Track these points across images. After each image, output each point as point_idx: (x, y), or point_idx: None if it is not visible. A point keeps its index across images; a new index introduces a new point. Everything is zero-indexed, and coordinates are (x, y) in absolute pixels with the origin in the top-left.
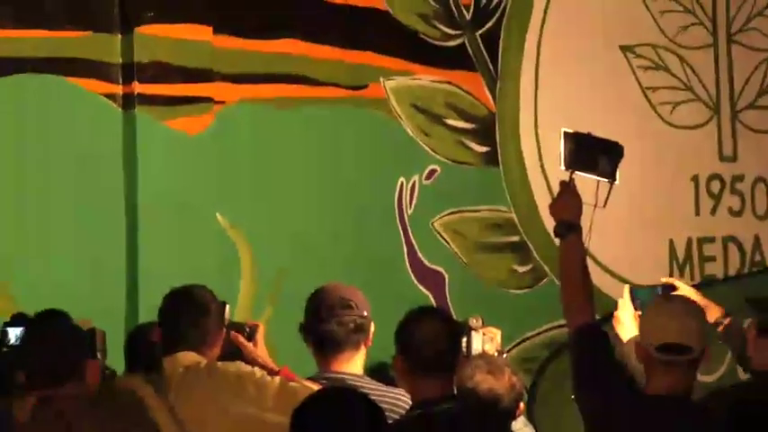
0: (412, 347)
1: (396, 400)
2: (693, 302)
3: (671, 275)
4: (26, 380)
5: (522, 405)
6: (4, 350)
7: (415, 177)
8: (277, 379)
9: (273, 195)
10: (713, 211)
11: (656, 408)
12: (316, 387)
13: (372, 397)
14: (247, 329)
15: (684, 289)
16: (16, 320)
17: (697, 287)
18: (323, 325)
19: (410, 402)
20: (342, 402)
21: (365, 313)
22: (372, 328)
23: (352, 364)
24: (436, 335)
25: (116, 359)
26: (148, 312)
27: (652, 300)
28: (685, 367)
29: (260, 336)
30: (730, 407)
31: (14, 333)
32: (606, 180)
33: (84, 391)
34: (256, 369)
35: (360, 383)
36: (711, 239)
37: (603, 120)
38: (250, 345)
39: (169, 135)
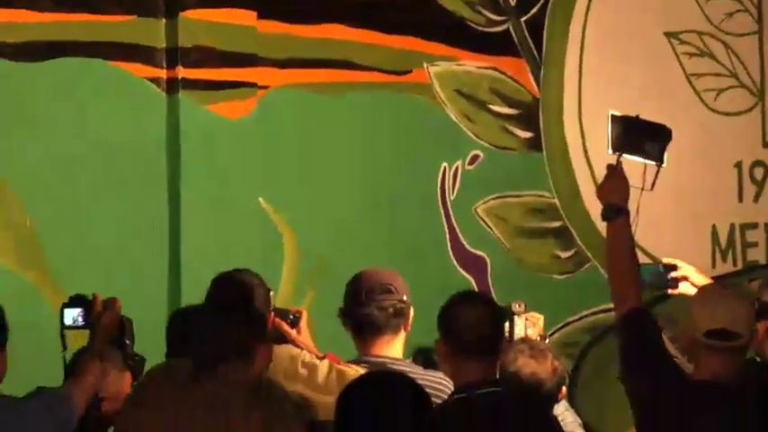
0: (455, 331)
1: (437, 383)
2: (740, 288)
3: (713, 261)
4: (195, 357)
5: (563, 389)
6: (63, 332)
7: (458, 163)
8: (326, 361)
9: (316, 181)
10: (756, 198)
11: (703, 394)
12: (362, 370)
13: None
14: (291, 316)
15: (687, 269)
16: (74, 302)
17: (740, 273)
18: (362, 309)
19: (452, 387)
20: (387, 385)
21: (405, 297)
22: (412, 313)
23: (392, 348)
24: (479, 319)
25: (159, 344)
26: (191, 297)
27: (654, 278)
28: (733, 353)
29: (304, 323)
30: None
31: (72, 314)
32: (654, 163)
33: (250, 377)
34: (305, 352)
35: (400, 367)
36: (754, 225)
37: (647, 106)
38: (294, 331)
39: (212, 120)
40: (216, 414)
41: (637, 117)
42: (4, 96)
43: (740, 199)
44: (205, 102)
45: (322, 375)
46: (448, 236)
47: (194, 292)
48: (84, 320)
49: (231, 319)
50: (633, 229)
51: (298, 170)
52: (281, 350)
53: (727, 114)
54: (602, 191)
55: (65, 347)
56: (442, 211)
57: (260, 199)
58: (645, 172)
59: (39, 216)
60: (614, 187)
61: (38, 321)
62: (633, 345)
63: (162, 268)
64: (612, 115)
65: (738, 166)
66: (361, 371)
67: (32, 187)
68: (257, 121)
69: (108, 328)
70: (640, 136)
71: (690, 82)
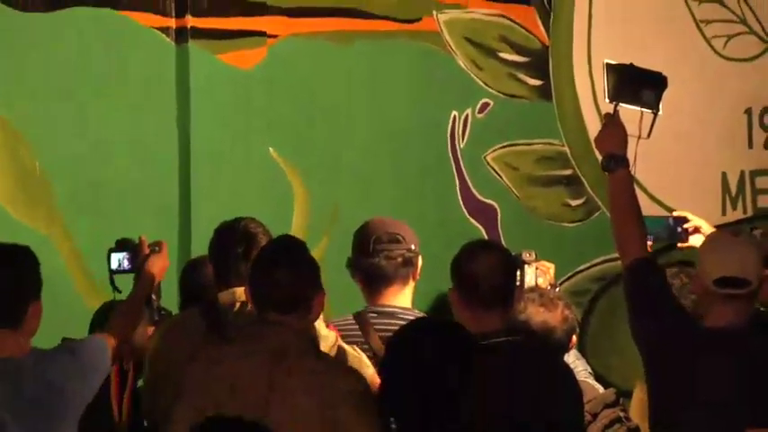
0: (468, 281)
1: None
2: (750, 236)
3: (723, 208)
4: (253, 300)
5: (574, 338)
6: (112, 276)
7: (468, 111)
8: (333, 334)
9: (326, 130)
10: (766, 144)
11: (714, 340)
12: (363, 354)
13: None
14: None
15: (697, 221)
16: (120, 245)
17: (750, 220)
18: (370, 259)
19: None
20: (436, 330)
21: (413, 247)
22: (420, 262)
23: (402, 298)
24: (492, 268)
25: (169, 294)
26: (201, 246)
27: (663, 231)
28: (744, 300)
29: None
30: None
31: (117, 258)
32: (650, 111)
33: (306, 326)
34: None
35: (410, 316)
36: (764, 172)
37: (656, 53)
38: None
39: (222, 69)
40: (277, 363)
41: (631, 65)
42: (14, 45)
43: (750, 145)
44: (215, 51)
45: (326, 346)
46: (458, 185)
47: (205, 243)
48: (130, 264)
49: (287, 267)
50: (632, 176)
51: (308, 119)
52: None
53: (736, 61)
54: (600, 141)
55: (116, 290)
56: (452, 160)
57: (270, 149)
58: (641, 120)
59: (48, 164)
60: (612, 136)
61: (48, 270)
62: (640, 291)
63: (173, 219)
64: (607, 64)
65: (748, 112)
66: (362, 354)
67: (42, 134)
68: (267, 71)
69: (156, 271)
70: (636, 84)
71: (699, 29)
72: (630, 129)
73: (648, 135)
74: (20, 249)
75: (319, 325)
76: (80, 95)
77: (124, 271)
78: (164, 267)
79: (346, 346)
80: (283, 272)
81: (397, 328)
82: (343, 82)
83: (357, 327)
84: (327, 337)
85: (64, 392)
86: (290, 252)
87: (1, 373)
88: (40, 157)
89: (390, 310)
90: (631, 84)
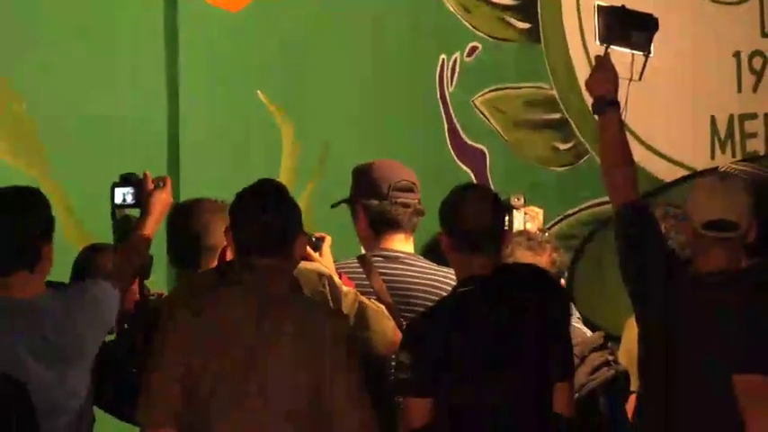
0: (457, 224)
1: (446, 278)
2: (740, 178)
3: (712, 152)
4: (236, 244)
5: (562, 281)
6: (114, 210)
7: (456, 54)
8: (352, 291)
9: (314, 72)
10: (755, 88)
11: (703, 284)
12: (382, 306)
13: (426, 274)
14: (314, 239)
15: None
16: (125, 180)
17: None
18: (384, 203)
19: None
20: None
21: (419, 198)
22: None
23: (407, 245)
24: (481, 211)
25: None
26: (189, 188)
27: None
28: (732, 243)
29: (326, 247)
30: None
31: (122, 193)
32: (641, 53)
33: (290, 267)
34: (333, 275)
35: (415, 261)
36: (753, 116)
37: None
38: (316, 254)
39: (210, 12)
40: (263, 308)
41: (623, 7)
42: (5, 4)
43: (739, 89)
44: None
45: (347, 304)
46: (446, 128)
47: (193, 186)
48: (134, 199)
49: (271, 210)
50: (623, 119)
51: (296, 62)
52: (310, 267)
53: (725, 4)
54: (591, 83)
55: (115, 227)
56: (441, 104)
57: (258, 91)
58: (632, 62)
59: (39, 114)
60: (603, 79)
61: None
62: (630, 235)
63: (161, 163)
64: (599, 6)
65: (737, 55)
66: (382, 307)
67: (34, 85)
68: (256, 13)
69: (160, 207)
70: (627, 26)
71: None
72: (621, 71)
73: (640, 77)
74: (31, 191)
75: (339, 281)
76: (67, 41)
77: (128, 206)
78: (167, 203)
79: (366, 301)
80: (267, 215)
81: (401, 272)
82: (332, 25)
83: (361, 269)
84: (348, 294)
85: (85, 339)
86: (273, 195)
87: (23, 314)
88: (30, 108)
89: (395, 254)
90: (622, 26)
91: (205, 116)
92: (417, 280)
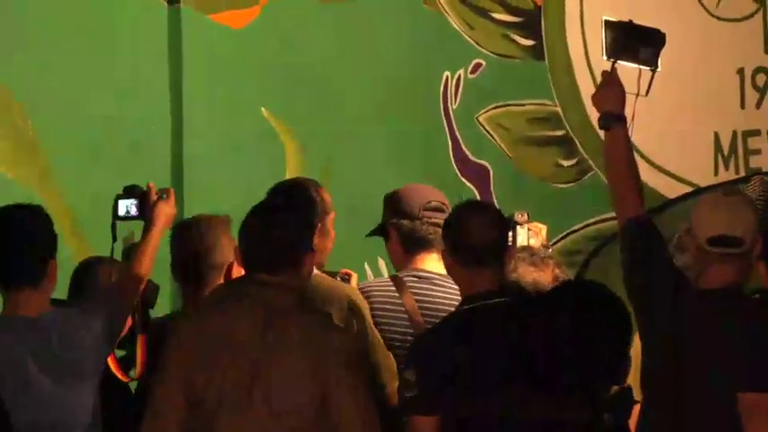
0: (460, 240)
1: None
2: (744, 194)
3: (716, 169)
4: (244, 260)
5: None
6: (116, 222)
7: (460, 71)
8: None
9: (318, 89)
10: (758, 105)
11: (707, 301)
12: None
13: (457, 295)
14: (339, 278)
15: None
16: (129, 192)
17: (743, 181)
18: (416, 223)
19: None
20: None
21: None
22: None
23: (439, 265)
24: (484, 226)
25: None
26: (193, 208)
27: None
28: (737, 259)
29: (353, 283)
30: None
31: (125, 205)
32: (648, 68)
33: (298, 284)
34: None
35: (446, 282)
36: (757, 132)
37: (649, 12)
38: None
39: (214, 29)
40: (269, 322)
41: (630, 22)
42: (3, 7)
43: (742, 106)
44: (207, 11)
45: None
46: (450, 145)
47: (197, 203)
48: (137, 211)
49: (278, 225)
50: (630, 134)
51: (300, 79)
52: (348, 289)
53: (728, 20)
54: (597, 98)
55: (115, 239)
56: (445, 120)
57: (262, 108)
58: (639, 77)
59: (40, 123)
60: (610, 94)
61: None
62: (635, 251)
63: (165, 180)
64: (606, 21)
65: (740, 72)
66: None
67: (34, 96)
68: (260, 30)
69: (164, 218)
70: (634, 41)
71: None
72: (628, 86)
73: (647, 93)
74: (33, 209)
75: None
76: (72, 58)
77: (132, 217)
78: (171, 215)
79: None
80: (275, 230)
81: (432, 293)
82: (335, 42)
83: (393, 288)
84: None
85: (91, 355)
86: (283, 211)
87: (30, 331)
88: (32, 117)
89: (427, 275)
90: (630, 41)
91: (209, 131)
92: (448, 301)
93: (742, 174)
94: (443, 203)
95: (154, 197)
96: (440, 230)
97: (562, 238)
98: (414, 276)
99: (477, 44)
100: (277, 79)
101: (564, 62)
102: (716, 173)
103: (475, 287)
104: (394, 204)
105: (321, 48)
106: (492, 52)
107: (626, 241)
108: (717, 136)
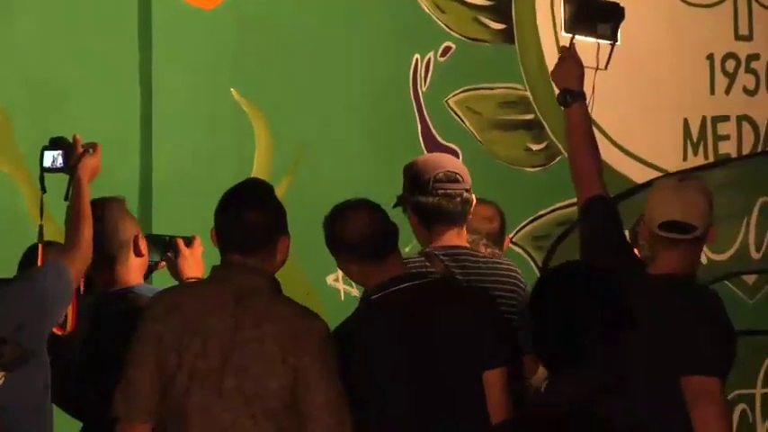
0: (350, 240)
1: (509, 266)
2: (698, 181)
3: (684, 154)
4: (218, 241)
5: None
6: (42, 174)
7: (431, 54)
8: None
9: (288, 71)
10: (728, 91)
11: (657, 286)
12: None
13: (489, 266)
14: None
15: None
16: (55, 144)
17: (711, 167)
18: (430, 198)
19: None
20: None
21: (469, 186)
22: (474, 200)
23: (461, 238)
24: (363, 223)
25: None
26: (162, 186)
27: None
28: (688, 246)
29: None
30: None
31: (51, 156)
32: (607, 42)
33: (272, 266)
34: None
35: (473, 255)
36: (726, 118)
37: None
38: None
39: (185, 9)
40: (242, 306)
41: None
42: None
43: (712, 91)
44: None
45: None
46: (420, 128)
47: (165, 185)
48: (63, 163)
49: (254, 208)
50: (589, 108)
51: (271, 60)
52: None
53: (698, 6)
54: (556, 74)
55: (44, 190)
56: (414, 103)
57: (232, 90)
58: (598, 51)
59: (11, 106)
60: (569, 70)
61: (12, 209)
62: (591, 229)
63: (134, 161)
64: None
65: (710, 58)
66: None
67: (5, 78)
68: (231, 11)
69: (88, 172)
70: (593, 16)
71: None
72: (588, 60)
73: (606, 67)
74: None
75: None
76: (44, 37)
77: (57, 169)
78: (96, 168)
79: None
80: (250, 213)
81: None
82: (306, 24)
83: (425, 262)
84: None
85: (31, 331)
86: (258, 194)
87: None
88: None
89: (454, 251)
90: (588, 15)
91: (179, 115)
92: (490, 272)
93: (711, 159)
94: (455, 172)
95: (79, 149)
96: (455, 201)
97: (530, 222)
98: (443, 254)
99: (448, 27)
100: (247, 61)
101: (534, 47)
102: (685, 158)
103: (379, 278)
104: (408, 178)
105: (291, 30)
106: (462, 35)
107: (583, 221)
108: (686, 122)
